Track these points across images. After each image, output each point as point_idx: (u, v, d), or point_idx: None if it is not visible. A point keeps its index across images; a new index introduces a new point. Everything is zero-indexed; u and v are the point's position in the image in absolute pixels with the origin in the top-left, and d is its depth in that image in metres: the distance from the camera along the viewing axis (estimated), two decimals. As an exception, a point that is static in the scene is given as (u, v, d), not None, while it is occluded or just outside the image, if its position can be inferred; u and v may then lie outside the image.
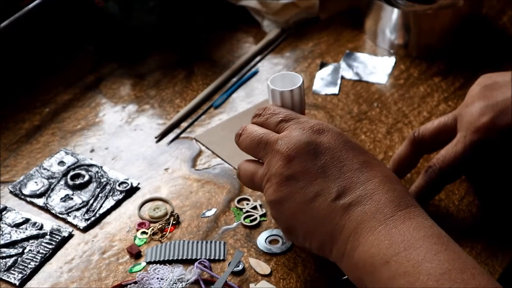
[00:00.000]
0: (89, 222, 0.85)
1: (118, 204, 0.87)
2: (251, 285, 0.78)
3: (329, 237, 0.70)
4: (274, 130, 0.74)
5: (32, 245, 0.82)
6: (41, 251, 0.82)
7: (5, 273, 0.80)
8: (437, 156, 0.81)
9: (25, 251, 0.82)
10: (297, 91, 0.77)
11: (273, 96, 0.78)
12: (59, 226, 0.84)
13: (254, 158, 0.77)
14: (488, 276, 0.63)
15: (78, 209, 0.86)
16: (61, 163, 0.91)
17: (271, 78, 0.78)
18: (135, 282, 0.78)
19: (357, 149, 0.72)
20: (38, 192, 0.88)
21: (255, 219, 0.84)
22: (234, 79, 1.03)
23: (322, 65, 1.05)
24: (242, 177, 0.78)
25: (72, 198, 0.87)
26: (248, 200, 0.87)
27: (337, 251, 0.70)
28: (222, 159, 0.92)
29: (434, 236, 0.66)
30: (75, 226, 0.85)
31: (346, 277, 0.71)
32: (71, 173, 0.90)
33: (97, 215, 0.85)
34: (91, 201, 0.87)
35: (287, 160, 0.71)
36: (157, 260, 0.80)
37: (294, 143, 0.71)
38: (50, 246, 0.82)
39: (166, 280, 0.78)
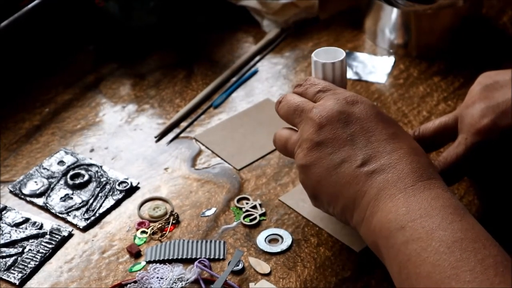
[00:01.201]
0: (89, 221, 0.85)
1: (118, 203, 0.87)
2: (251, 284, 0.78)
3: (351, 203, 0.72)
4: (312, 100, 0.77)
5: (32, 245, 0.82)
6: (41, 250, 0.82)
7: (5, 272, 0.80)
8: (439, 158, 0.81)
9: (25, 250, 0.82)
10: (338, 64, 0.79)
11: (315, 67, 0.80)
12: (59, 225, 0.84)
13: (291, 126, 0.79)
14: (500, 247, 0.65)
15: (78, 209, 0.86)
16: (61, 162, 0.91)
17: (315, 51, 0.81)
18: (135, 282, 0.78)
19: (388, 121, 0.74)
20: (38, 192, 0.88)
21: (255, 218, 0.84)
22: (234, 79, 1.03)
23: (322, 65, 1.05)
24: (276, 142, 0.80)
25: (72, 198, 0.87)
26: (248, 199, 0.87)
27: (357, 216, 0.72)
28: (222, 159, 0.92)
29: (451, 207, 0.67)
30: (75, 226, 0.85)
31: None
32: (71, 172, 0.90)
33: (97, 214, 0.85)
34: (91, 201, 0.87)
35: (319, 127, 0.74)
36: (157, 259, 0.80)
37: (327, 111, 0.74)
38: (50, 246, 0.82)
39: (166, 279, 0.78)
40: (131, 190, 0.88)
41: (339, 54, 0.80)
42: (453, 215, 0.66)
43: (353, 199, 0.72)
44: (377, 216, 0.69)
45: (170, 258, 0.80)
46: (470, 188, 0.86)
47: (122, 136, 0.95)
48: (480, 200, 0.85)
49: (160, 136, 0.95)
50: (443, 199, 0.68)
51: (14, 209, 0.86)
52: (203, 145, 0.94)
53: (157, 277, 0.78)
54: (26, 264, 0.80)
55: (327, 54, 0.80)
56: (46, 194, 0.88)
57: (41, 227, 0.84)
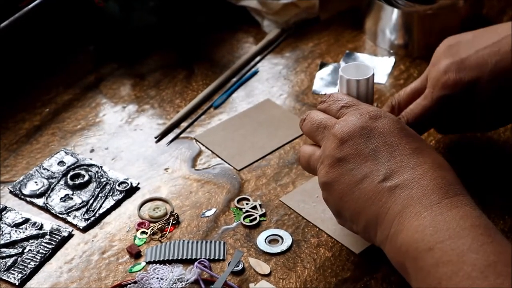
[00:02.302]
0: (89, 222, 0.85)
1: (118, 204, 0.87)
2: (251, 285, 0.78)
3: (374, 219, 0.70)
4: (335, 116, 0.76)
5: (32, 245, 0.82)
6: (41, 251, 0.82)
7: (5, 273, 0.80)
8: (406, 110, 0.83)
9: (25, 251, 0.82)
10: (363, 82, 0.78)
11: (341, 83, 0.79)
12: (59, 226, 0.84)
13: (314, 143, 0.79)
14: None
15: (78, 209, 0.86)
16: (61, 163, 0.91)
17: (344, 65, 0.80)
18: (135, 282, 0.78)
19: (412, 136, 0.73)
20: (38, 192, 0.88)
21: (255, 219, 0.84)
22: (234, 79, 1.03)
23: (322, 65, 1.05)
24: (300, 159, 0.79)
25: (72, 198, 0.87)
26: (248, 200, 0.87)
27: (381, 233, 0.70)
28: (222, 159, 0.92)
29: (481, 227, 0.65)
30: (75, 226, 0.85)
31: None
32: (71, 173, 0.90)
33: (97, 215, 0.85)
34: (91, 201, 0.87)
35: (340, 142, 0.73)
36: (156, 260, 0.80)
37: (349, 126, 0.73)
38: (50, 246, 0.82)
39: (166, 280, 0.78)
40: (131, 191, 0.88)
41: (367, 71, 0.79)
42: (484, 236, 0.64)
43: (376, 216, 0.70)
44: (403, 235, 0.67)
45: (170, 258, 0.80)
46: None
47: (122, 137, 0.95)
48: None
49: (161, 137, 0.95)
50: (472, 218, 0.66)
51: (14, 210, 0.86)
52: (203, 145, 0.94)
53: (157, 278, 0.78)
54: (26, 265, 0.80)
55: (356, 70, 0.79)
56: (46, 195, 0.88)
57: (41, 228, 0.84)
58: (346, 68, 0.79)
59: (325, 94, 0.80)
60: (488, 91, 0.81)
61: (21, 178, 0.89)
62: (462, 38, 0.85)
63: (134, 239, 0.83)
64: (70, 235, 0.84)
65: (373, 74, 0.79)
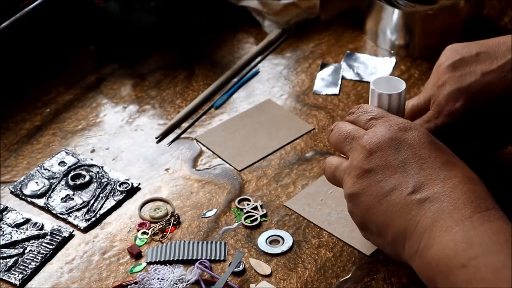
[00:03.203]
0: (89, 222, 0.85)
1: (118, 204, 0.87)
2: (252, 285, 0.78)
3: (402, 232, 0.68)
4: (364, 127, 0.75)
5: (32, 245, 0.82)
6: (41, 251, 0.82)
7: (5, 273, 0.80)
8: None
9: (26, 251, 0.82)
10: (395, 96, 0.77)
11: (372, 96, 0.78)
12: (59, 226, 0.84)
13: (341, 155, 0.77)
14: None
15: (78, 210, 0.86)
16: (62, 163, 0.91)
17: (376, 78, 0.78)
18: (136, 283, 0.78)
19: (442, 149, 0.71)
20: (38, 193, 0.88)
21: (256, 219, 0.84)
22: (235, 80, 1.03)
23: (323, 65, 1.05)
24: (326, 170, 0.77)
25: (72, 199, 0.87)
26: (249, 200, 0.87)
27: (410, 247, 0.68)
28: (223, 160, 0.92)
29: None
30: (75, 227, 0.85)
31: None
32: (72, 173, 0.90)
33: (98, 215, 0.85)
34: (91, 202, 0.87)
35: (369, 154, 0.71)
36: (157, 260, 0.80)
37: (378, 137, 0.71)
38: (51, 247, 0.82)
39: (167, 280, 0.78)
40: (132, 191, 0.88)
41: (399, 85, 0.77)
42: None
43: (404, 229, 0.68)
44: (433, 250, 0.65)
45: (170, 259, 0.80)
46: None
47: (123, 137, 0.95)
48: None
49: (161, 137, 0.95)
50: (506, 233, 0.64)
51: (15, 210, 0.86)
52: (204, 145, 0.94)
53: (158, 278, 0.78)
54: (26, 265, 0.80)
55: (387, 84, 0.78)
56: (47, 195, 0.88)
57: (41, 228, 0.84)
58: (377, 81, 0.78)
59: (355, 105, 0.78)
60: (497, 116, 0.80)
61: (22, 179, 0.89)
62: (464, 52, 0.83)
63: (135, 239, 0.83)
64: (71, 236, 0.84)
65: (405, 89, 0.77)
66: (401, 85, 0.77)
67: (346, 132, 0.75)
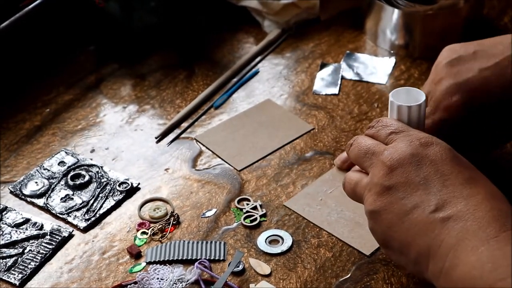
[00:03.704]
0: (89, 222, 0.85)
1: (118, 204, 0.87)
2: (251, 285, 0.78)
3: (426, 251, 0.67)
4: (384, 142, 0.73)
5: (32, 245, 0.82)
6: (41, 251, 0.82)
7: (5, 273, 0.80)
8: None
9: (25, 251, 0.82)
10: (415, 108, 0.75)
11: (391, 108, 0.76)
12: (59, 226, 0.84)
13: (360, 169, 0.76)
14: None
15: (78, 209, 0.86)
16: (62, 163, 0.91)
17: (395, 90, 0.77)
18: (135, 282, 0.78)
19: (465, 164, 0.70)
20: (38, 192, 0.88)
21: (255, 219, 0.84)
22: (235, 80, 1.03)
23: (323, 65, 1.05)
24: (346, 186, 0.76)
25: (72, 198, 0.87)
26: (248, 200, 0.87)
27: (434, 266, 0.66)
28: (223, 159, 0.92)
29: None
30: (75, 226, 0.85)
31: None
32: (72, 173, 0.90)
33: (97, 215, 0.85)
34: (91, 201, 0.87)
35: (390, 170, 0.69)
36: (157, 260, 0.80)
37: (399, 153, 0.70)
38: (50, 246, 0.82)
39: (166, 280, 0.78)
40: (132, 191, 0.88)
41: (419, 96, 0.76)
42: None
43: (427, 248, 0.67)
44: (459, 271, 0.64)
45: (170, 259, 0.80)
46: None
47: (122, 137, 0.95)
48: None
49: (161, 137, 0.95)
50: None
51: (15, 210, 0.86)
52: (203, 145, 0.94)
53: (158, 278, 0.78)
54: (26, 265, 0.80)
55: (406, 95, 0.76)
56: (47, 195, 0.88)
57: (41, 228, 0.84)
58: (396, 93, 0.76)
59: (375, 119, 0.76)
60: (495, 116, 0.80)
61: (21, 178, 0.89)
62: (462, 51, 0.83)
63: (135, 239, 0.83)
64: (71, 236, 0.84)
65: (425, 100, 0.76)
66: (421, 97, 0.76)
67: (366, 147, 0.73)
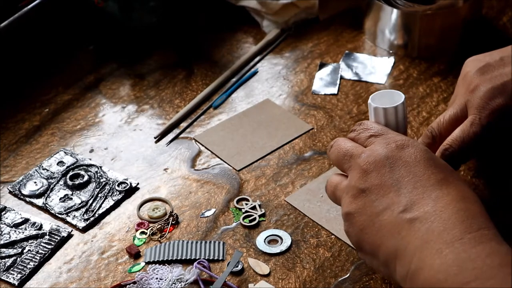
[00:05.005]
0: (88, 222, 0.85)
1: (117, 204, 0.87)
2: (250, 285, 0.78)
3: (393, 253, 0.67)
4: (363, 145, 0.74)
5: (31, 245, 0.82)
6: (40, 251, 0.82)
7: (4, 273, 0.80)
8: (451, 138, 0.80)
9: (24, 251, 0.82)
10: (391, 110, 0.76)
11: (370, 111, 0.77)
12: (58, 226, 0.84)
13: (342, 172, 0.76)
14: None
15: (77, 209, 0.86)
16: (61, 163, 0.91)
17: (375, 93, 0.77)
18: (134, 282, 0.78)
19: (439, 166, 0.70)
20: (37, 192, 0.88)
21: (254, 219, 0.84)
22: (234, 79, 1.03)
23: (322, 65, 1.05)
24: (327, 189, 0.76)
25: (71, 198, 0.87)
26: (247, 200, 0.87)
27: (401, 269, 0.66)
28: (221, 159, 0.92)
29: (509, 265, 0.61)
30: (74, 226, 0.85)
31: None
32: (71, 173, 0.90)
33: (96, 215, 0.85)
34: (90, 201, 0.87)
35: (365, 173, 0.70)
36: (156, 260, 0.80)
37: (374, 156, 0.71)
38: (49, 246, 0.82)
39: (165, 280, 0.78)
40: (131, 191, 0.88)
41: (399, 99, 0.76)
42: None
43: (395, 250, 0.67)
44: (424, 274, 0.63)
45: (169, 259, 0.80)
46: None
47: (121, 137, 0.95)
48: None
49: (160, 137, 0.95)
50: (500, 256, 0.62)
51: (14, 210, 0.86)
52: (202, 145, 0.94)
53: (157, 278, 0.78)
54: (25, 265, 0.80)
55: (387, 97, 0.76)
56: (46, 195, 0.88)
57: (40, 228, 0.84)
58: (377, 95, 0.77)
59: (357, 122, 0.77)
60: None
61: (20, 178, 0.89)
62: (488, 59, 0.83)
63: (134, 239, 0.83)
64: (70, 235, 0.84)
65: (403, 102, 0.76)
66: (400, 98, 0.76)
67: (345, 149, 0.74)
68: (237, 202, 0.87)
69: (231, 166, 0.91)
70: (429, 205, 0.66)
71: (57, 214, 0.85)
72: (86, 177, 0.89)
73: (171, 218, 0.84)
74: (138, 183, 0.89)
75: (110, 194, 0.88)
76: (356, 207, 0.70)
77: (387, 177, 0.69)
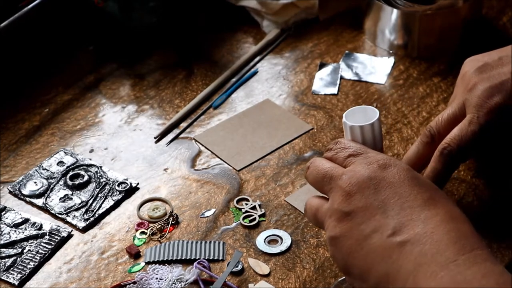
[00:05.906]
0: (88, 222, 0.85)
1: (117, 204, 0.87)
2: (250, 285, 0.78)
3: (385, 277, 0.65)
4: (342, 165, 0.72)
5: (31, 245, 0.82)
6: (40, 251, 0.82)
7: (4, 273, 0.80)
8: (450, 137, 0.80)
9: (24, 251, 0.82)
10: (367, 127, 0.74)
11: (345, 129, 0.75)
12: (58, 226, 0.84)
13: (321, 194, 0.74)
14: None
15: (77, 209, 0.86)
16: (61, 163, 0.91)
17: (349, 110, 0.76)
18: (134, 282, 0.78)
19: (424, 185, 0.68)
20: (37, 192, 0.88)
21: (254, 219, 0.84)
22: (234, 79, 1.03)
23: (322, 65, 1.05)
24: (307, 212, 0.74)
25: (71, 198, 0.87)
26: (247, 200, 0.87)
27: None
28: (222, 159, 0.92)
29: (506, 285, 0.60)
30: (74, 226, 0.85)
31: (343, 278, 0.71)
32: (71, 173, 0.90)
33: (96, 215, 0.85)
34: (90, 201, 0.87)
35: (348, 196, 0.68)
36: (156, 260, 0.80)
37: (356, 178, 0.69)
38: (49, 246, 0.82)
39: (165, 280, 0.78)
40: (131, 191, 0.88)
41: (373, 115, 0.75)
42: None
43: (386, 274, 0.65)
44: None
45: (169, 259, 0.80)
46: (469, 189, 0.86)
47: (121, 137, 0.95)
48: (480, 201, 0.85)
49: (160, 137, 0.95)
50: (495, 276, 0.61)
51: (14, 210, 0.86)
52: (202, 145, 0.94)
53: (157, 278, 0.78)
54: (25, 265, 0.80)
55: (361, 114, 0.75)
56: (46, 195, 0.88)
57: (40, 228, 0.84)
58: (350, 112, 0.75)
59: (334, 140, 0.75)
60: None
61: (20, 178, 0.89)
62: (486, 59, 0.83)
63: (134, 239, 0.83)
64: (70, 235, 0.84)
65: (378, 118, 0.74)
66: (375, 115, 0.75)
67: (324, 170, 0.72)
68: (237, 202, 0.87)
69: (231, 166, 0.91)
70: (419, 227, 0.65)
71: (57, 214, 0.86)
72: (86, 177, 0.89)
73: (171, 218, 0.84)
74: (138, 183, 0.89)
75: (110, 194, 0.88)
76: (341, 231, 0.68)
77: (372, 199, 0.67)
